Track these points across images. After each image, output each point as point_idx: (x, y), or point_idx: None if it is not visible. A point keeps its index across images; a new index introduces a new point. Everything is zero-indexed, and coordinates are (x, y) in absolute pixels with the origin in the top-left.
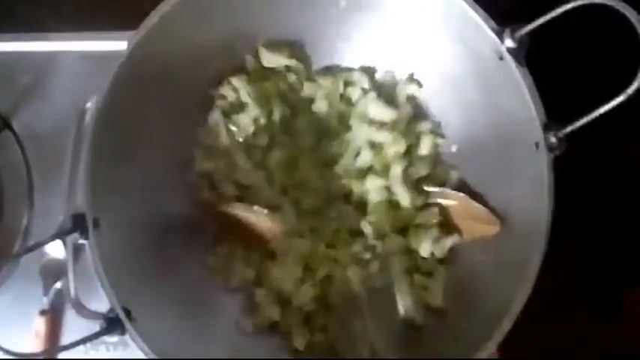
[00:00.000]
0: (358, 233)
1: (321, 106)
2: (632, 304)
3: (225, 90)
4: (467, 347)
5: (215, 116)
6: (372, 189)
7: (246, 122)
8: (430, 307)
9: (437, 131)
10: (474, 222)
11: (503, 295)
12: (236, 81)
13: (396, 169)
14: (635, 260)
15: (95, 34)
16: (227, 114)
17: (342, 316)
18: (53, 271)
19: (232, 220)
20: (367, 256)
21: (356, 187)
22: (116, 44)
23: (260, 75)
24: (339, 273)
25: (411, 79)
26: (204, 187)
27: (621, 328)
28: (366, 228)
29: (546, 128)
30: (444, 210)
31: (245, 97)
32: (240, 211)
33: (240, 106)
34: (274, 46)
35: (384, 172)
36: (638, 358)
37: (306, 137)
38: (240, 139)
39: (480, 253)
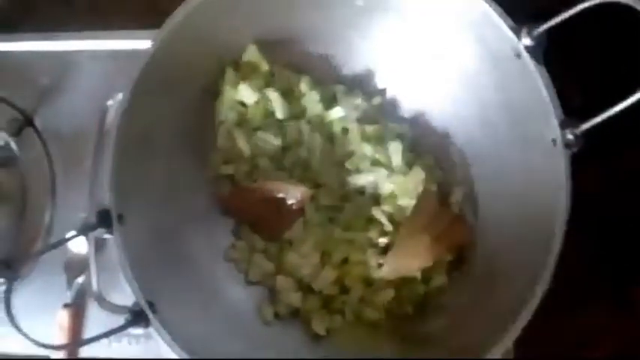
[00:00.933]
0: (374, 221)
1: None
2: None
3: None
4: (482, 343)
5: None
6: (380, 180)
7: (274, 139)
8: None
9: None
10: None
11: (519, 292)
12: (272, 94)
13: (397, 160)
14: None
15: (115, 32)
16: (243, 123)
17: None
18: (76, 266)
19: (254, 210)
20: (384, 241)
21: (367, 180)
22: (134, 43)
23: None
24: (356, 256)
25: None
26: (225, 183)
27: (633, 324)
28: (380, 216)
29: (563, 125)
30: None
31: (279, 114)
32: (271, 186)
33: (265, 116)
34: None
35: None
36: None
37: (318, 139)
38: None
39: (496, 248)
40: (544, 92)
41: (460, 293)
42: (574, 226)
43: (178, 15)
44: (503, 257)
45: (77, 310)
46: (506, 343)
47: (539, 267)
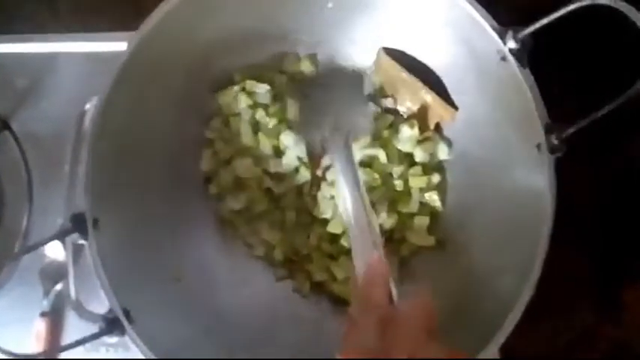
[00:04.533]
0: None
1: None
2: (632, 303)
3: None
4: (468, 348)
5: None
6: None
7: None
8: None
9: None
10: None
11: (505, 295)
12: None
13: None
14: (634, 258)
15: (94, 35)
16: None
17: None
18: (53, 274)
19: None
20: None
21: None
22: (115, 45)
23: None
24: None
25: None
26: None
27: (622, 326)
28: None
29: (548, 130)
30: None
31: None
32: None
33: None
34: None
35: None
36: (638, 356)
37: None
38: None
39: (482, 253)
40: (529, 95)
41: (446, 297)
42: (560, 229)
43: (154, 17)
44: (489, 261)
45: (54, 318)
46: (493, 347)
47: (525, 271)
